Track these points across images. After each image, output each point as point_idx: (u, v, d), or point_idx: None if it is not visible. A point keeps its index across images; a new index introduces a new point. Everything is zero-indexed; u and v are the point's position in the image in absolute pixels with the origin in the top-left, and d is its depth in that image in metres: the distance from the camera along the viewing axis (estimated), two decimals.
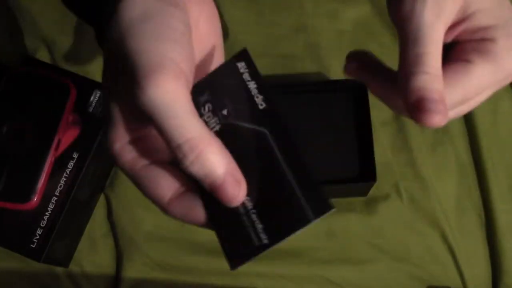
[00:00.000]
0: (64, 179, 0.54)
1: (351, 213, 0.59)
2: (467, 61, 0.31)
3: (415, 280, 0.58)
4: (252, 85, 0.30)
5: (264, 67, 0.62)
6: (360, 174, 0.56)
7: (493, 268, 0.58)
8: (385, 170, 0.59)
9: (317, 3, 0.64)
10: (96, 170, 0.57)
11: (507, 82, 0.33)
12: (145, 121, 0.28)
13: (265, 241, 0.29)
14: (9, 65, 0.57)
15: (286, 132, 0.28)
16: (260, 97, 0.29)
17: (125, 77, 0.27)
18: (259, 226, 0.29)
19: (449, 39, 0.31)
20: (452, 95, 0.30)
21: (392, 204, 0.59)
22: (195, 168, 0.26)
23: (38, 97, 0.53)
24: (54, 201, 0.53)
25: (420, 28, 0.29)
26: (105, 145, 0.30)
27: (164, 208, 0.29)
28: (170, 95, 0.25)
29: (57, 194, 0.53)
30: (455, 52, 0.31)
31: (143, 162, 0.29)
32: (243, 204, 0.28)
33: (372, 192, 0.59)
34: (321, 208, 0.27)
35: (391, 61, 0.33)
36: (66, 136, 0.53)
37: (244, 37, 0.63)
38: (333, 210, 0.27)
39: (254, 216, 0.29)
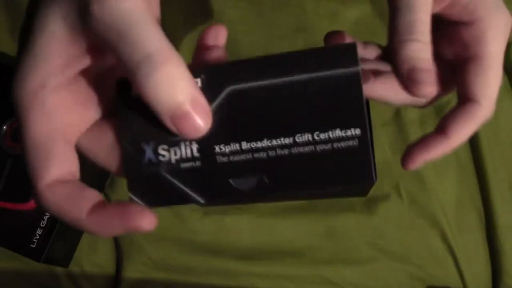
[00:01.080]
0: None
1: (351, 213, 0.59)
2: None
3: (415, 280, 0.58)
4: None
5: None
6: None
7: (493, 268, 0.58)
8: (385, 170, 0.59)
9: (317, 3, 0.64)
10: (96, 170, 0.57)
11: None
12: (87, 51, 0.24)
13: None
14: (9, 65, 0.57)
15: None
16: None
17: None
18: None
19: (435, 10, 0.31)
20: None
21: (392, 204, 0.59)
22: (163, 87, 0.22)
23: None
24: None
25: None
26: (13, 86, 0.26)
27: (37, 188, 0.26)
28: (140, 3, 0.23)
29: None
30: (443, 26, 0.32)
31: (47, 124, 0.25)
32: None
33: (372, 192, 0.59)
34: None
35: None
36: None
37: (244, 37, 0.63)
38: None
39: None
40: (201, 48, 0.29)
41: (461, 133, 0.36)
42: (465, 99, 0.35)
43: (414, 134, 0.60)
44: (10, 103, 0.54)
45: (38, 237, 0.53)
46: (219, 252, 0.58)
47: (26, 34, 0.26)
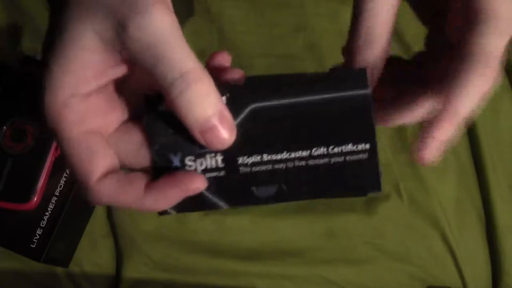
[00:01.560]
0: (64, 179, 0.54)
1: (351, 213, 0.59)
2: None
3: (415, 280, 0.58)
4: None
5: (264, 67, 0.62)
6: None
7: (493, 268, 0.58)
8: (385, 170, 0.59)
9: (317, 3, 0.64)
10: None
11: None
12: (118, 63, 0.26)
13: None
14: (9, 65, 0.57)
15: None
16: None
17: (108, 8, 0.24)
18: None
19: None
20: None
21: (392, 204, 0.59)
22: (195, 103, 0.24)
23: (38, 97, 0.53)
24: (54, 201, 0.53)
25: None
26: (42, 93, 0.27)
27: (89, 185, 0.27)
28: (174, 24, 0.24)
29: (57, 194, 0.53)
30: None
31: (81, 127, 0.27)
32: None
33: None
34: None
35: None
36: None
37: (244, 37, 0.63)
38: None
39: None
40: (213, 69, 0.30)
41: (470, 84, 0.29)
42: (464, 38, 0.28)
43: (414, 134, 0.60)
44: (10, 103, 0.55)
45: (38, 237, 0.53)
46: (219, 252, 0.58)
47: (50, 46, 0.27)
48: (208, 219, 0.59)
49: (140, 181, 0.27)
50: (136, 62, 0.25)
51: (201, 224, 0.59)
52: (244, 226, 0.59)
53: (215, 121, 0.25)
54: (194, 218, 0.59)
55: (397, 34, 0.61)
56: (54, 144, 0.52)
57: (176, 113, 0.25)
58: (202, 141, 0.26)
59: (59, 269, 0.59)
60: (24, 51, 0.63)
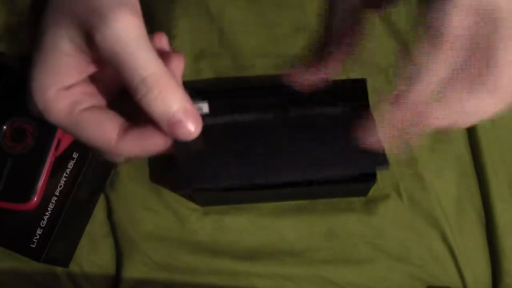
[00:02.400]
0: (64, 179, 0.54)
1: (351, 213, 0.59)
2: None
3: (415, 280, 0.58)
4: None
5: (264, 67, 0.62)
6: (360, 174, 0.56)
7: (493, 268, 0.58)
8: (385, 170, 0.59)
9: (318, 3, 0.64)
10: (96, 170, 0.57)
11: None
12: (93, 62, 0.29)
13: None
14: (9, 65, 0.57)
15: None
16: None
17: (78, 17, 0.27)
18: None
19: None
20: None
21: (392, 204, 0.59)
22: (158, 103, 0.27)
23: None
24: (54, 201, 0.53)
25: None
26: (32, 92, 0.29)
27: (112, 149, 0.29)
28: (136, 29, 0.27)
29: (57, 194, 0.53)
30: None
31: (80, 107, 0.29)
32: None
33: (372, 192, 0.59)
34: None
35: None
36: (66, 136, 0.53)
37: (244, 37, 0.63)
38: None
39: None
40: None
41: None
42: None
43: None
44: (10, 103, 0.55)
45: (38, 237, 0.53)
46: (219, 252, 0.58)
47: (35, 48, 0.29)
48: (207, 219, 0.59)
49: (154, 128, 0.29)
50: (106, 65, 0.28)
51: (200, 224, 0.59)
52: (243, 226, 0.59)
53: (180, 116, 0.28)
54: (194, 218, 0.59)
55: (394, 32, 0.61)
56: (54, 144, 0.52)
57: (145, 112, 0.28)
58: (170, 134, 0.28)
59: (59, 269, 0.59)
60: (24, 51, 0.63)
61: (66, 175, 0.54)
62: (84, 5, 0.27)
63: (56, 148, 0.52)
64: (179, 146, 0.29)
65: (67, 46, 0.28)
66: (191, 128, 0.28)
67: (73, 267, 0.59)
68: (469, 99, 0.29)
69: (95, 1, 0.27)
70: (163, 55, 0.30)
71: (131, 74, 0.27)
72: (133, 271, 0.58)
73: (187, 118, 0.28)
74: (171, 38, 0.62)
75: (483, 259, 0.58)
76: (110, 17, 0.26)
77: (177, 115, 0.28)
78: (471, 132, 0.60)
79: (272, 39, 0.63)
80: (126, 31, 0.26)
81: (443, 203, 0.58)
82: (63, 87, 0.29)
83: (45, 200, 0.53)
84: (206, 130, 0.29)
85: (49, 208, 0.53)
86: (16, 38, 0.64)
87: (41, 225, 0.53)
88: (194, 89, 0.31)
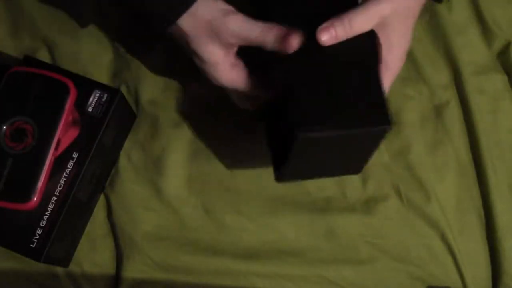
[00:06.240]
0: (64, 179, 0.54)
1: (351, 213, 0.59)
2: None
3: (415, 280, 0.58)
4: None
5: None
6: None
7: (493, 268, 0.58)
8: (385, 170, 0.59)
9: None
10: (96, 170, 0.57)
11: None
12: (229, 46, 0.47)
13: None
14: (9, 65, 0.57)
15: None
16: None
17: (211, 34, 0.46)
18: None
19: None
20: None
21: (392, 204, 0.59)
22: (270, 37, 0.44)
23: (38, 97, 0.53)
24: (54, 201, 0.53)
25: None
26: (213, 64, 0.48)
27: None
28: (238, 22, 0.45)
29: (57, 194, 0.53)
30: None
31: (233, 62, 0.49)
32: None
33: (372, 192, 0.59)
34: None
35: None
36: (66, 136, 0.54)
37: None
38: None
39: None
40: None
41: None
42: None
43: (413, 136, 0.60)
44: (10, 103, 0.55)
45: (38, 237, 0.53)
46: (219, 251, 0.58)
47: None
48: (207, 218, 0.59)
49: None
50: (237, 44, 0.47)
51: (201, 224, 0.59)
52: (243, 225, 0.59)
53: (283, 36, 0.44)
54: (194, 217, 0.59)
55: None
56: (54, 144, 0.52)
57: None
58: (282, 49, 0.44)
59: (59, 269, 0.59)
60: (24, 51, 0.63)
61: (66, 175, 0.54)
62: (211, 26, 0.45)
63: (56, 148, 0.52)
64: None
65: (217, 49, 0.47)
66: (293, 39, 0.43)
67: (73, 267, 0.59)
68: None
69: (214, 21, 0.45)
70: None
71: (253, 38, 0.45)
72: (133, 271, 0.58)
73: (286, 35, 0.43)
74: None
75: (483, 259, 0.58)
76: (225, 25, 0.45)
77: (279, 36, 0.44)
78: (471, 132, 0.60)
79: None
80: (237, 24, 0.45)
81: (443, 203, 0.58)
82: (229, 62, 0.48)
83: (45, 200, 0.53)
84: None
85: (49, 208, 0.53)
86: (16, 38, 0.64)
87: (41, 225, 0.53)
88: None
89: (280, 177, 0.48)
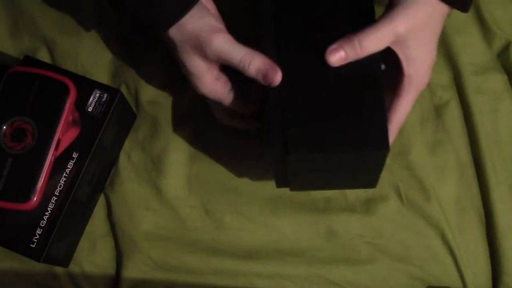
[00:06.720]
0: (64, 179, 0.54)
1: (351, 213, 0.59)
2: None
3: (415, 280, 0.58)
4: None
5: None
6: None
7: (493, 268, 0.58)
8: (385, 172, 0.59)
9: None
10: (96, 170, 0.57)
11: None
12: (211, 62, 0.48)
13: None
14: (9, 65, 0.57)
15: None
16: None
17: (197, 47, 0.47)
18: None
19: None
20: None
21: (392, 204, 0.59)
22: (251, 67, 0.45)
23: (38, 97, 0.53)
24: (54, 201, 0.53)
25: None
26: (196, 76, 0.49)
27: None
28: (224, 40, 0.46)
29: (57, 194, 0.53)
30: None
31: (216, 75, 0.50)
32: None
33: (372, 192, 0.59)
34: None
35: None
36: (66, 136, 0.54)
37: (244, 37, 0.63)
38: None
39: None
40: None
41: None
42: None
43: (413, 136, 0.60)
44: (10, 103, 0.55)
45: (38, 237, 0.53)
46: (219, 251, 0.58)
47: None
48: (207, 218, 0.59)
49: None
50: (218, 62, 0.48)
51: (200, 223, 0.59)
52: (243, 225, 0.59)
53: (265, 70, 0.45)
54: (194, 217, 0.59)
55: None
56: (54, 144, 0.52)
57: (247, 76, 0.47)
58: (265, 83, 0.46)
59: (59, 269, 0.59)
60: (24, 51, 0.63)
61: (66, 175, 0.54)
62: (197, 40, 0.47)
63: (56, 148, 0.52)
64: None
65: (200, 62, 0.48)
66: (275, 75, 0.45)
67: (73, 267, 0.59)
68: None
69: (200, 36, 0.46)
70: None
71: (235, 63, 0.46)
72: (133, 271, 0.58)
73: (268, 70, 0.45)
74: None
75: (483, 259, 0.58)
76: (209, 41, 0.46)
77: (262, 70, 0.45)
78: (471, 132, 0.60)
79: None
80: (220, 44, 0.46)
81: (443, 203, 0.58)
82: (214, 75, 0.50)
83: (45, 200, 0.53)
84: None
85: (49, 208, 0.53)
86: (16, 38, 0.64)
87: (41, 225, 0.53)
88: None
89: (280, 186, 0.49)
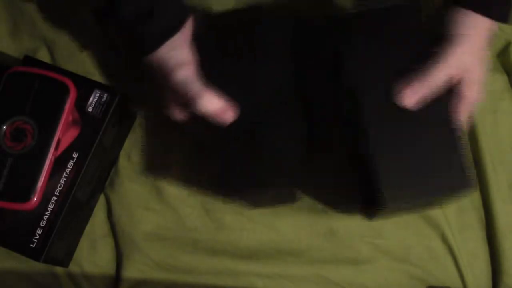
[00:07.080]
0: (64, 179, 0.54)
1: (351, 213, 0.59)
2: None
3: (415, 280, 0.58)
4: None
5: None
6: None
7: (493, 268, 0.58)
8: None
9: None
10: (96, 170, 0.57)
11: None
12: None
13: None
14: (9, 65, 0.57)
15: None
16: None
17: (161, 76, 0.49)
18: None
19: None
20: None
21: None
22: (202, 106, 0.47)
23: (38, 97, 0.53)
24: (54, 201, 0.53)
25: None
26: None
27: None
28: (188, 74, 0.48)
29: (57, 194, 0.53)
30: None
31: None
32: None
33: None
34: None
35: None
36: (66, 136, 0.54)
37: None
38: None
39: None
40: None
41: None
42: None
43: None
44: (10, 103, 0.54)
45: (38, 237, 0.53)
46: (219, 251, 0.58)
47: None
48: (207, 218, 0.59)
49: None
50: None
51: (201, 224, 0.59)
52: (243, 225, 0.59)
53: (217, 113, 0.48)
54: (194, 217, 0.59)
55: None
56: (54, 144, 0.52)
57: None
58: (217, 121, 0.48)
59: (59, 269, 0.59)
60: (24, 51, 0.63)
61: (66, 175, 0.54)
62: (164, 66, 0.49)
63: (56, 148, 0.52)
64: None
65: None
66: (226, 116, 0.48)
67: (73, 267, 0.59)
68: None
69: (167, 67, 0.48)
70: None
71: (190, 98, 0.48)
72: (133, 271, 0.58)
73: (220, 113, 0.47)
74: None
75: (483, 259, 0.58)
76: (173, 74, 0.48)
77: (213, 112, 0.47)
78: (471, 132, 0.60)
79: None
80: (183, 77, 0.48)
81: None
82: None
83: (45, 200, 0.53)
84: None
85: (49, 208, 0.53)
86: (16, 38, 0.64)
87: (41, 225, 0.53)
88: None
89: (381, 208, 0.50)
